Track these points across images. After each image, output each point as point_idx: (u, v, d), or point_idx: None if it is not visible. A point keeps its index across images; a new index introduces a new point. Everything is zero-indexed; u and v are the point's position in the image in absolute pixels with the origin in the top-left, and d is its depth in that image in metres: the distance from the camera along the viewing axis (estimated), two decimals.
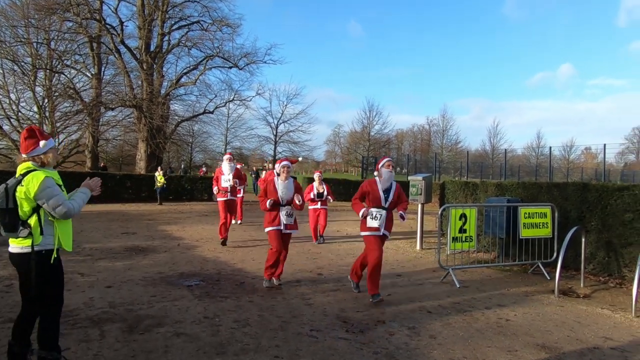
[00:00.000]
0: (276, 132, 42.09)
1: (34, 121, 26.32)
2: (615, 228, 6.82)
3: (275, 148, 42.04)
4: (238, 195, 10.91)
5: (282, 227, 6.00)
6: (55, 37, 25.51)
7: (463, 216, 6.88)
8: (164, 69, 27.42)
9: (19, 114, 26.81)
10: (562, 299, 5.90)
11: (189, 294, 5.54)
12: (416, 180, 9.72)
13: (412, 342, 4.19)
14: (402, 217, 5.80)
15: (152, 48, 25.95)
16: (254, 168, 33.89)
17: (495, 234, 7.82)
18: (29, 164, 3.18)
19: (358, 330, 4.47)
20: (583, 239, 6.74)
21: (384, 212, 5.59)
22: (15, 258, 3.14)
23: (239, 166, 10.51)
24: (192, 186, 21.49)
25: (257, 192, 25.27)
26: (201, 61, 27.25)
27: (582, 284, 6.64)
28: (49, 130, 25.51)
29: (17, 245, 3.10)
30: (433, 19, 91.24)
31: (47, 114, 26.34)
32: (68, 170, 24.20)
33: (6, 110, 26.18)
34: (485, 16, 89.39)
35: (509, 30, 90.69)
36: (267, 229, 6.08)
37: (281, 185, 6.06)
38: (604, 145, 23.80)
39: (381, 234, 5.61)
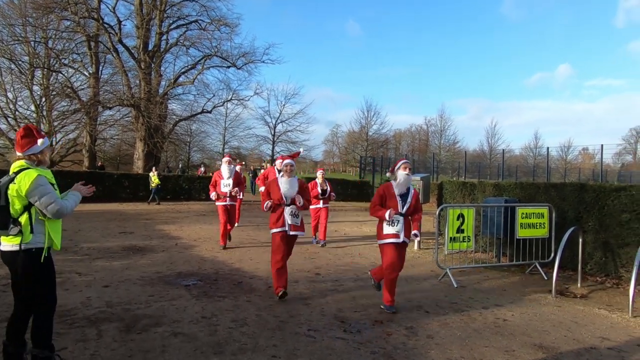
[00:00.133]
0: (274, 132, 42.10)
1: (31, 120, 26.27)
2: (612, 228, 6.85)
3: (273, 148, 42.03)
4: (238, 197, 10.45)
5: (287, 228, 5.56)
6: (53, 36, 25.45)
7: (461, 216, 6.90)
8: (162, 68, 27.37)
9: (17, 112, 26.77)
10: (560, 299, 5.92)
11: (187, 294, 5.54)
12: (414, 181, 9.69)
13: (410, 342, 4.19)
14: (416, 236, 5.29)
15: (150, 47, 25.90)
16: (252, 167, 33.86)
17: (493, 234, 7.83)
18: (23, 162, 3.17)
19: (356, 330, 4.47)
20: (580, 240, 6.76)
21: (401, 219, 5.16)
22: (7, 256, 3.14)
23: (238, 168, 10.03)
24: (190, 186, 21.45)
25: (255, 192, 25.26)
26: (199, 60, 27.23)
27: (579, 284, 6.66)
28: (47, 129, 25.46)
29: (8, 243, 3.10)
30: (431, 18, 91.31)
31: (44, 113, 26.30)
32: (65, 169, 24.17)
33: (3, 109, 26.13)
34: (484, 15, 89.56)
35: (508, 30, 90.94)
36: (272, 231, 5.66)
37: (284, 184, 5.65)
38: (602, 145, 23.84)
39: (401, 240, 5.14)
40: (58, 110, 26.69)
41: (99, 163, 29.54)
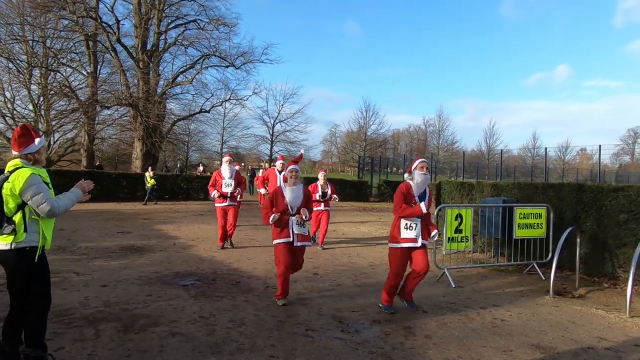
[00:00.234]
0: (272, 132, 42.17)
1: (29, 119, 26.23)
2: (610, 229, 6.86)
3: (271, 147, 42.11)
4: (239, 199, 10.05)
5: (292, 239, 5.15)
6: (51, 35, 25.43)
7: (459, 216, 6.90)
8: (160, 67, 27.36)
9: (14, 112, 26.71)
10: (557, 299, 5.93)
11: (185, 294, 5.53)
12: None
13: (408, 342, 4.19)
14: (438, 235, 5.13)
15: (148, 47, 25.86)
16: (249, 167, 33.84)
17: (491, 235, 7.84)
18: (18, 161, 3.17)
19: (353, 330, 4.47)
20: (578, 240, 6.77)
21: (419, 221, 4.96)
22: (1, 255, 3.13)
23: (237, 167, 9.74)
24: (188, 185, 21.42)
25: (253, 192, 25.24)
26: (198, 60, 27.21)
27: (576, 285, 6.67)
28: (44, 128, 25.43)
29: (2, 242, 3.09)
30: (430, 18, 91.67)
31: (42, 112, 26.26)
32: (63, 169, 24.11)
33: (1, 109, 26.09)
34: (483, 16, 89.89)
35: (507, 31, 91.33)
36: (275, 242, 5.23)
37: (289, 192, 5.27)
38: (599, 146, 23.87)
39: (419, 244, 4.96)
40: (56, 109, 26.66)
41: (97, 162, 29.49)
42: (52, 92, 25.23)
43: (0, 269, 3.33)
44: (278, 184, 8.98)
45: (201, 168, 31.51)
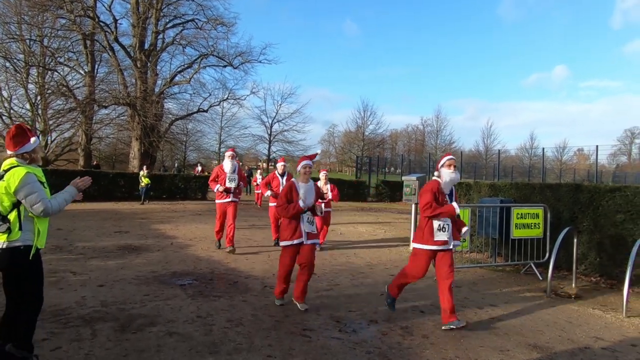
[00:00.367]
0: (270, 132, 42.12)
1: (26, 119, 26.14)
2: (607, 229, 6.88)
3: (269, 147, 42.09)
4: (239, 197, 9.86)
5: (304, 239, 5.03)
6: (49, 34, 25.33)
7: (457, 216, 6.90)
8: (158, 67, 27.29)
9: (11, 111, 26.61)
10: (554, 299, 5.94)
11: (182, 293, 5.52)
12: (410, 180, 9.73)
13: (405, 342, 4.20)
14: (467, 232, 4.92)
15: (146, 46, 25.79)
16: (247, 167, 33.81)
17: (489, 235, 7.85)
18: (13, 160, 3.17)
19: (351, 329, 4.48)
20: (575, 240, 6.79)
21: (449, 222, 4.67)
22: None
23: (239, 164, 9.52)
24: (186, 185, 21.39)
25: (251, 192, 25.21)
26: (195, 60, 27.15)
27: (573, 285, 6.68)
28: (42, 127, 25.36)
29: None
30: (429, 18, 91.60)
31: (39, 112, 26.16)
32: (60, 168, 24.04)
33: None
34: (482, 16, 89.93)
35: (505, 31, 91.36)
36: (284, 244, 5.07)
37: (302, 189, 5.08)
38: (597, 146, 24.01)
39: (451, 247, 4.67)
40: (53, 108, 26.55)
41: (95, 162, 29.41)
42: (49, 91, 25.13)
43: None
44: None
45: (199, 168, 31.45)
